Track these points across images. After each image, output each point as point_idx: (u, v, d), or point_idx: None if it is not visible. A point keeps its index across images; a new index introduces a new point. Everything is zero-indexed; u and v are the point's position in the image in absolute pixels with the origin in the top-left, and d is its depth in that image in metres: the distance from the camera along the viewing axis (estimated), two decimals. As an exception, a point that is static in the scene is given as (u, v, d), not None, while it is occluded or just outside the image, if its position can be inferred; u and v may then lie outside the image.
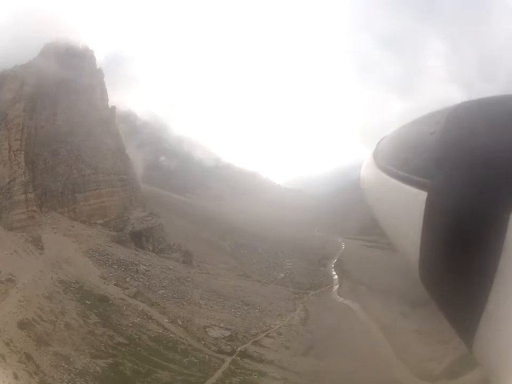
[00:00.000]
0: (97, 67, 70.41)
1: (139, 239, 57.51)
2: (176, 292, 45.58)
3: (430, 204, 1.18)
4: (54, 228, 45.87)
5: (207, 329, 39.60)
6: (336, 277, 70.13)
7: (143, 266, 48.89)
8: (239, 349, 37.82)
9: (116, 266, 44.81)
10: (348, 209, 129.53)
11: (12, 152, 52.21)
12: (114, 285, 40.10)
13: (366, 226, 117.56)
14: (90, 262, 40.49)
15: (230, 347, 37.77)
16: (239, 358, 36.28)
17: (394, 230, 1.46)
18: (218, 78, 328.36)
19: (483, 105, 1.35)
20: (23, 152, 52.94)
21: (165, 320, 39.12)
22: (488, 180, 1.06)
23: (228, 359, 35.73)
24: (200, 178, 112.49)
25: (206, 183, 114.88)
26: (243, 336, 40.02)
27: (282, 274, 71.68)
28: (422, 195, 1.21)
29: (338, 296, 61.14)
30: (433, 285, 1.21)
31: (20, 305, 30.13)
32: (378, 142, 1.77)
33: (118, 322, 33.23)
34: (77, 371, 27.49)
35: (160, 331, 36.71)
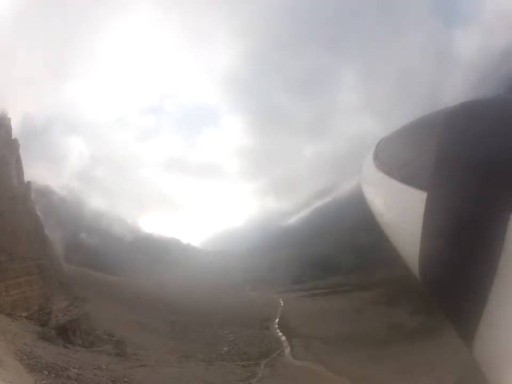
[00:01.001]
0: (13, 137, 63.69)
1: (66, 333, 49.02)
2: (114, 398, 38.33)
3: (430, 203, 1.17)
4: (-18, 323, 37.20)
5: None
6: (283, 338, 65.38)
7: (74, 370, 40.72)
8: None
9: (46, 372, 36.51)
10: (273, 261, 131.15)
11: None
12: (49, 396, 32.33)
13: (297, 274, 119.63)
14: (21, 367, 32.72)
15: None
16: None
17: (394, 230, 1.45)
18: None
19: (483, 105, 1.35)
20: None
21: None
22: (488, 180, 1.05)
23: None
24: (123, 254, 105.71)
25: (129, 258, 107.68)
26: None
27: (226, 348, 65.88)
28: (422, 195, 1.20)
29: (294, 360, 55.89)
30: (434, 285, 1.20)
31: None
32: (378, 143, 1.75)
33: None
34: None
35: None
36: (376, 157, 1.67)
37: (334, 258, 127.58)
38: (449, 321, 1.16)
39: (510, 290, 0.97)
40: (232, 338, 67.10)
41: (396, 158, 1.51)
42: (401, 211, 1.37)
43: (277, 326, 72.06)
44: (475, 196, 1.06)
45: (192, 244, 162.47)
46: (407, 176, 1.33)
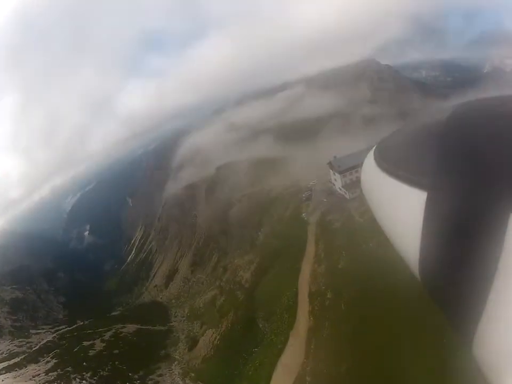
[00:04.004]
0: None
1: None
2: None
3: (430, 203, 1.17)
4: None
5: None
6: None
7: None
8: None
9: None
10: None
11: None
12: None
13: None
14: None
15: None
16: None
17: (394, 230, 1.43)
18: None
19: (483, 105, 1.35)
20: None
21: None
22: (488, 180, 1.04)
23: None
24: None
25: None
26: None
27: None
28: (422, 195, 1.21)
29: None
30: (433, 285, 1.20)
31: None
32: (379, 142, 1.71)
33: None
34: None
35: None
36: (377, 156, 1.60)
37: None
38: (449, 321, 1.15)
39: (510, 290, 0.97)
40: None
41: (396, 157, 1.47)
42: (401, 211, 1.36)
43: None
44: (475, 196, 1.05)
45: None
46: (407, 176, 1.32)
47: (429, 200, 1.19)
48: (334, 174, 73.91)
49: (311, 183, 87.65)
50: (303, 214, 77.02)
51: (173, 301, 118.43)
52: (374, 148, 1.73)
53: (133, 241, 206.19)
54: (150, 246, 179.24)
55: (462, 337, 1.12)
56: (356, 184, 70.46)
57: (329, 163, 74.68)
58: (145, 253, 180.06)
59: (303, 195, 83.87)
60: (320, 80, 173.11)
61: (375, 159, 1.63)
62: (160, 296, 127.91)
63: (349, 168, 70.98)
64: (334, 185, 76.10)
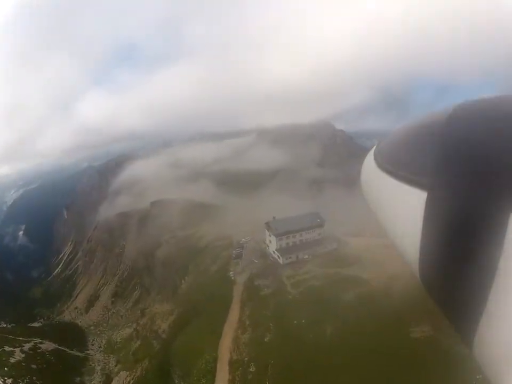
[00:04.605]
0: None
1: None
2: None
3: (430, 203, 1.18)
4: None
5: None
6: None
7: None
8: None
9: None
10: None
11: None
12: None
13: None
14: None
15: None
16: None
17: (394, 230, 1.43)
18: None
19: (483, 105, 1.35)
20: None
21: None
22: (488, 180, 1.05)
23: None
24: None
25: None
26: None
27: None
28: (422, 195, 1.22)
29: None
30: (433, 285, 1.20)
31: None
32: (379, 142, 1.71)
33: None
34: None
35: None
36: (377, 156, 1.61)
37: None
38: (449, 321, 1.16)
39: (510, 290, 0.98)
40: None
41: (396, 157, 1.47)
42: (401, 211, 1.36)
43: None
44: (475, 196, 1.06)
45: None
46: (407, 176, 1.33)
47: (429, 200, 1.19)
48: (270, 235, 73.35)
49: (244, 239, 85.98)
50: (231, 272, 74.30)
51: (92, 327, 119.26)
52: (374, 147, 1.73)
53: (62, 255, 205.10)
54: (77, 265, 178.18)
55: (462, 337, 1.13)
56: (291, 249, 70.93)
57: (267, 223, 74.16)
58: (71, 271, 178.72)
59: (234, 251, 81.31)
60: (272, 134, 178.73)
61: (375, 159, 1.63)
62: (80, 320, 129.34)
63: (287, 232, 71.40)
64: (268, 247, 75.41)
